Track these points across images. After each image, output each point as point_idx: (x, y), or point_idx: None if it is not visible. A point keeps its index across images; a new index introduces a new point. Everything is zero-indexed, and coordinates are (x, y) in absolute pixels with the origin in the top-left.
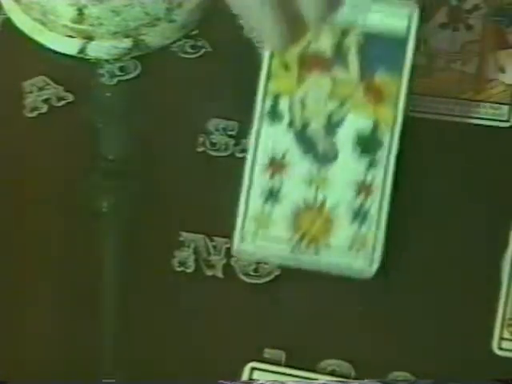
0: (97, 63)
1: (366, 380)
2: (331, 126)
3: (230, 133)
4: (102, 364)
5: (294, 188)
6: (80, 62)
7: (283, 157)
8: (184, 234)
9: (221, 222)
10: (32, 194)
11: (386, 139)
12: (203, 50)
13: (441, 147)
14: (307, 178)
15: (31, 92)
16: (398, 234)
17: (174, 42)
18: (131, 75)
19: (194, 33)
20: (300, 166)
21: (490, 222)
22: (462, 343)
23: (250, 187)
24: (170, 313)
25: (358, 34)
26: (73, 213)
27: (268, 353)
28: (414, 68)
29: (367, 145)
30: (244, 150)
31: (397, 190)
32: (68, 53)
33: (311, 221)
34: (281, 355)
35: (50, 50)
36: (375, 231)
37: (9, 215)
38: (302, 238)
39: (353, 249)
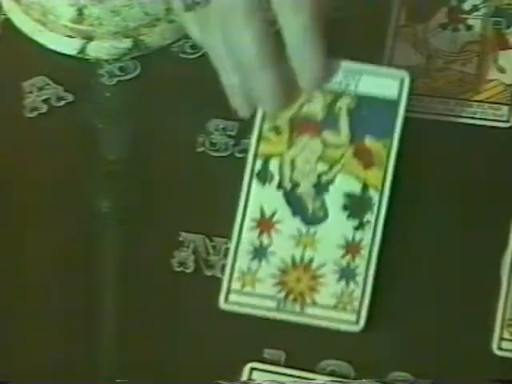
0: (96, 63)
1: (365, 380)
2: (321, 187)
3: (229, 133)
4: (102, 365)
5: (282, 246)
6: (80, 62)
7: (272, 216)
8: (183, 234)
9: (220, 223)
10: (32, 194)
11: (375, 201)
12: (203, 50)
13: (440, 148)
14: (295, 237)
15: (31, 92)
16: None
17: (174, 42)
18: (131, 75)
19: None
20: (289, 225)
21: (490, 223)
22: (461, 343)
23: (238, 244)
24: (169, 313)
25: (350, 98)
26: (73, 213)
27: (267, 353)
28: (405, 133)
29: (356, 206)
30: (244, 151)
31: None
32: (68, 53)
33: (297, 278)
34: (280, 355)
35: (49, 50)
36: (362, 289)
37: (8, 215)
38: (287, 295)
39: (339, 306)
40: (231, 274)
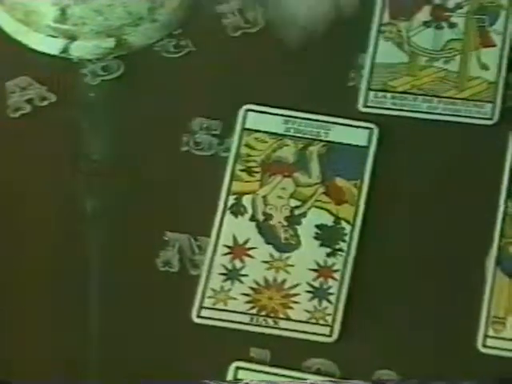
0: (80, 63)
1: (355, 380)
2: (293, 219)
3: (213, 132)
4: (88, 364)
5: (255, 269)
6: (63, 61)
7: (245, 243)
8: (168, 233)
9: (205, 222)
10: (15, 194)
11: (347, 232)
12: (186, 50)
13: (423, 146)
14: (268, 261)
15: (14, 92)
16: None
17: (157, 42)
18: (114, 75)
19: (177, 32)
20: (261, 252)
21: (475, 221)
22: (446, 341)
23: (210, 267)
24: (154, 312)
25: (320, 145)
26: (57, 213)
27: (253, 352)
28: (375, 176)
29: (328, 236)
30: (228, 149)
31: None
32: (51, 53)
33: (270, 297)
34: (266, 354)
35: (32, 50)
36: (335, 305)
37: None
38: (260, 311)
39: (311, 322)
40: (203, 294)
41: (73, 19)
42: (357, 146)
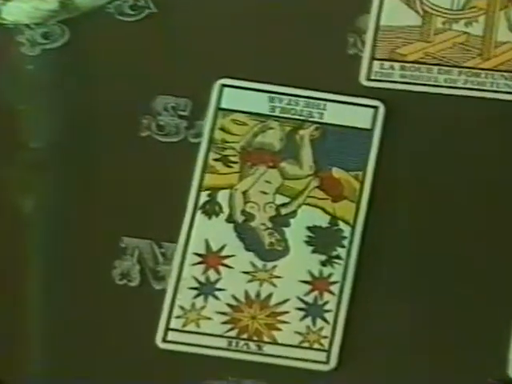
0: (15, 29)
1: None
2: (280, 220)
3: (181, 113)
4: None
5: (233, 282)
6: None
7: (221, 250)
8: (126, 239)
9: (171, 224)
10: None
11: (346, 235)
12: (146, 11)
13: (439, 128)
14: (249, 273)
15: None
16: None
17: (110, 2)
18: (58, 43)
19: None
20: (241, 261)
21: (503, 224)
22: (467, 374)
23: (178, 280)
24: (111, 334)
25: (313, 128)
26: None
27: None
28: (380, 166)
29: (323, 241)
30: (199, 134)
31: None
32: None
33: (252, 316)
34: None
35: None
36: (333, 325)
37: None
38: (240, 333)
39: (304, 346)
40: (170, 313)
41: None
42: (358, 128)
